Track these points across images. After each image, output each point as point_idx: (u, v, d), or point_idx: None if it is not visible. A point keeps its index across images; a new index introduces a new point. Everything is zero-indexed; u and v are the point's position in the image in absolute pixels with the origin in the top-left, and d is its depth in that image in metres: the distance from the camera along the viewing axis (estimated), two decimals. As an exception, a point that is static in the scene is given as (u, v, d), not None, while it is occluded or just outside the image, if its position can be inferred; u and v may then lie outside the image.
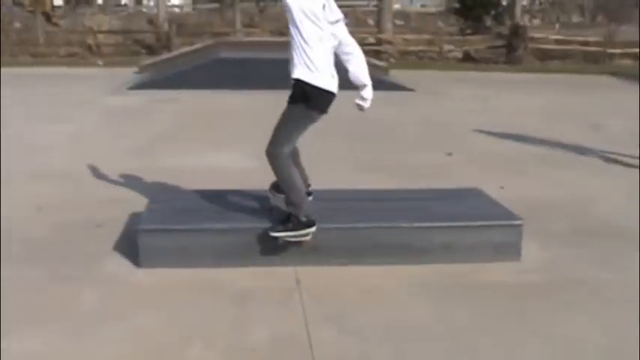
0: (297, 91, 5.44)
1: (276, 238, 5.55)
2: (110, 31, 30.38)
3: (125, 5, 57.94)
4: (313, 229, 5.56)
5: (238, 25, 32.65)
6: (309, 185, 6.00)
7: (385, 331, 4.70)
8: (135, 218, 6.51)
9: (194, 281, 5.43)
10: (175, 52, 23.56)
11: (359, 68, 5.67)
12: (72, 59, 26.26)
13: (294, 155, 5.81)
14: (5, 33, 28.65)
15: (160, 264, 5.61)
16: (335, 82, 5.48)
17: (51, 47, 28.07)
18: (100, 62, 25.28)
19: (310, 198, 5.91)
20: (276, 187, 6.02)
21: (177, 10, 52.08)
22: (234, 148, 10.34)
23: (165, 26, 28.87)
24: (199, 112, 13.96)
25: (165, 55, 23.48)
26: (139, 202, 6.88)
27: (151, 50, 27.42)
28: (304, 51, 5.32)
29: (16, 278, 5.50)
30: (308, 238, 5.60)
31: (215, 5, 44.09)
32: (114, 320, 4.80)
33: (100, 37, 29.05)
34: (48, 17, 33.25)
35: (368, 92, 5.73)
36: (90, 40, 28.12)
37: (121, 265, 5.77)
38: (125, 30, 30.96)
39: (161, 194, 6.55)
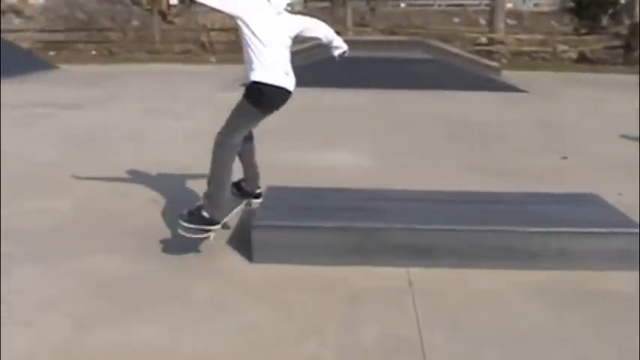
0: (253, 89, 5.63)
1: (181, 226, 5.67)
2: (222, 29, 30.93)
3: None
4: (212, 227, 5.67)
5: (349, 23, 32.72)
6: (258, 187, 6.20)
7: (500, 336, 4.61)
8: (247, 214, 6.61)
9: (306, 278, 5.47)
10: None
11: (326, 30, 6.15)
12: (186, 56, 26.91)
13: (250, 153, 6.09)
14: (123, 31, 29.61)
15: (273, 260, 5.68)
16: (290, 79, 5.68)
17: (166, 44, 28.87)
18: (212, 59, 25.82)
19: (258, 201, 6.11)
20: (236, 186, 6.23)
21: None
22: (345, 146, 10.37)
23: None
24: (310, 110, 14.04)
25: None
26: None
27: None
28: (258, 51, 5.48)
29: (134, 268, 5.68)
30: (205, 235, 5.70)
31: (326, 4, 44.28)
32: (228, 313, 4.89)
33: (213, 34, 29.70)
34: (164, 15, 34.16)
35: (339, 40, 6.23)
36: (203, 38, 28.78)
37: (234, 259, 5.86)
38: (237, 27, 31.45)
39: (274, 191, 6.61)
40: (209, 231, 5.70)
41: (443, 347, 4.47)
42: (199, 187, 8.03)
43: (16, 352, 4.38)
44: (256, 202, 6.10)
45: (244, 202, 6.30)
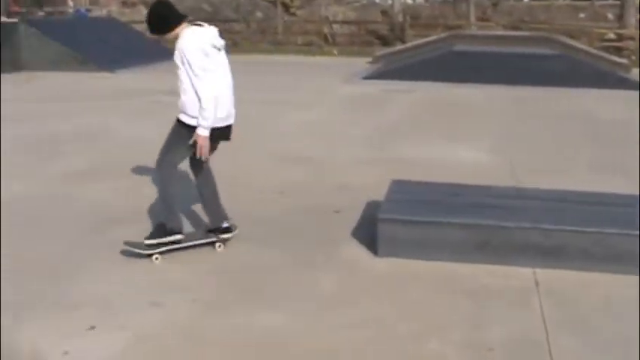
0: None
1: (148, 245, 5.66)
2: (345, 22, 31.09)
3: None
4: (173, 237, 5.67)
5: (472, 18, 32.23)
6: (223, 220, 5.94)
7: (632, 343, 4.45)
8: (371, 206, 6.61)
9: (431, 274, 5.42)
10: (409, 44, 23.70)
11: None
12: (308, 48, 27.14)
13: (209, 196, 5.91)
14: (247, 22, 30.12)
15: (397, 254, 5.65)
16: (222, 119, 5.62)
17: (288, 36, 29.19)
18: (334, 52, 25.94)
19: (228, 235, 5.90)
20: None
21: (410, 1, 52.32)
22: (469, 142, 10.23)
23: (400, 18, 29.12)
24: (433, 105, 13.94)
25: (399, 47, 23.69)
26: (374, 191, 6.97)
27: (385, 41, 27.76)
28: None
29: (260, 257, 5.77)
30: (168, 244, 5.68)
31: (447, -2, 43.84)
32: (351, 306, 4.90)
33: (335, 27, 29.85)
34: (286, 7, 34.53)
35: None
36: (326, 30, 28.94)
37: (358, 252, 5.87)
38: (359, 20, 31.56)
39: (399, 184, 6.58)
40: (174, 242, 5.73)
41: (572, 351, 4.33)
42: (321, 177, 8.14)
43: (145, 329, 4.53)
44: (225, 236, 5.93)
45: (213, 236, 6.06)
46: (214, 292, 5.12)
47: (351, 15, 33.78)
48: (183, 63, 5.40)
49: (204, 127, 5.42)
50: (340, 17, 32.00)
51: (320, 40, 28.56)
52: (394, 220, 5.71)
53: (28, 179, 8.00)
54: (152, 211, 6.83)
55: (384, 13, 33.54)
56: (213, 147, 5.64)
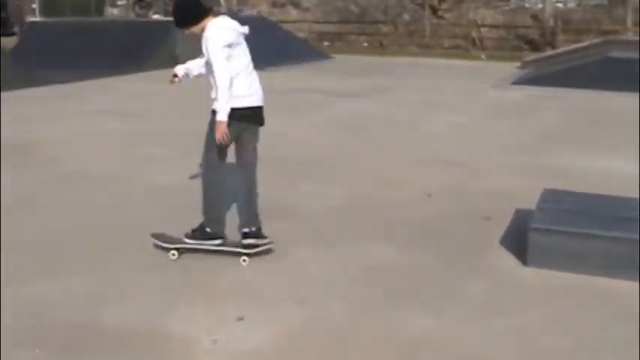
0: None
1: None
2: (493, 25, 30.55)
3: (509, 0, 57.85)
4: (215, 241, 5.70)
5: (629, 22, 30.96)
6: (254, 226, 5.76)
7: None
8: (521, 214, 6.46)
9: (582, 288, 5.22)
10: (560, 50, 23.06)
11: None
12: (455, 51, 26.88)
13: (246, 189, 5.81)
14: (394, 24, 30.13)
15: (547, 265, 5.49)
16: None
17: (436, 39, 28.98)
18: (482, 56, 25.57)
19: (253, 242, 5.67)
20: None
21: (561, 5, 50.89)
22: (624, 153, 9.81)
23: (551, 22, 28.37)
24: (586, 113, 13.48)
25: (550, 52, 23.08)
26: (524, 198, 6.81)
27: (534, 46, 27.12)
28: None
29: (406, 259, 5.76)
30: (214, 248, 5.69)
31: (602, 1, 42.33)
32: (499, 315, 4.79)
33: (484, 30, 29.38)
34: (434, 10, 34.28)
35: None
36: (474, 34, 28.54)
37: (507, 260, 5.74)
38: (508, 24, 30.94)
39: (551, 194, 6.39)
40: (212, 245, 5.73)
41: None
42: (469, 181, 8.03)
43: (293, 324, 4.60)
44: (246, 242, 5.71)
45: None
46: (362, 290, 5.13)
47: (500, 19, 33.14)
48: (208, 54, 5.53)
49: (223, 112, 5.47)
50: (489, 21, 31.46)
51: (467, 44, 28.21)
52: (547, 230, 5.55)
53: (180, 169, 8.26)
54: (303, 209, 6.94)
55: (534, 17, 32.73)
56: (241, 129, 5.64)
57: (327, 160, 8.95)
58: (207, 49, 5.52)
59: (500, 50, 26.68)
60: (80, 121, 11.77)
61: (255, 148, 5.81)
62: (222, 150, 5.64)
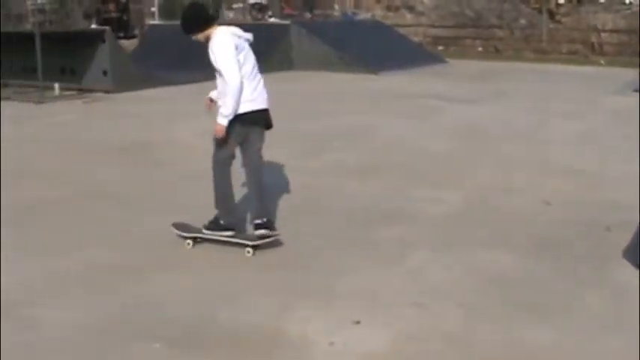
0: None
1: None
2: (614, 30, 29.62)
3: (630, 4, 56.04)
4: (228, 232, 5.96)
5: None
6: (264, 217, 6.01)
7: None
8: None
9: None
10: (685, 56, 22.16)
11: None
12: (573, 57, 26.20)
13: (254, 187, 6.08)
14: (510, 29, 29.64)
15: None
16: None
17: (553, 44, 28.34)
18: (601, 61, 24.85)
19: (263, 232, 5.92)
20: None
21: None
22: None
23: (675, 27, 27.29)
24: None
25: (674, 58, 22.19)
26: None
27: (657, 52, 26.16)
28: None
29: (525, 268, 5.68)
30: (225, 238, 5.96)
31: None
32: (619, 331, 4.64)
33: (604, 35, 28.54)
34: (552, 14, 33.53)
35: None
36: (593, 39, 27.77)
37: (629, 274, 5.55)
38: (630, 29, 29.93)
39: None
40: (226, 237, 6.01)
41: None
42: (591, 190, 7.82)
43: (410, 329, 4.61)
44: (258, 232, 6.01)
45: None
46: (479, 298, 5.10)
47: (621, 23, 32.10)
48: (216, 61, 5.77)
49: (224, 116, 5.74)
50: (609, 25, 30.51)
51: (586, 49, 27.45)
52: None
53: (299, 169, 8.36)
54: (420, 213, 6.93)
55: (658, 22, 31.60)
56: (246, 132, 5.88)
57: (444, 166, 8.91)
58: (215, 57, 5.80)
59: (620, 56, 25.84)
60: (199, 121, 12.03)
61: (260, 149, 6.08)
62: (229, 150, 5.95)
